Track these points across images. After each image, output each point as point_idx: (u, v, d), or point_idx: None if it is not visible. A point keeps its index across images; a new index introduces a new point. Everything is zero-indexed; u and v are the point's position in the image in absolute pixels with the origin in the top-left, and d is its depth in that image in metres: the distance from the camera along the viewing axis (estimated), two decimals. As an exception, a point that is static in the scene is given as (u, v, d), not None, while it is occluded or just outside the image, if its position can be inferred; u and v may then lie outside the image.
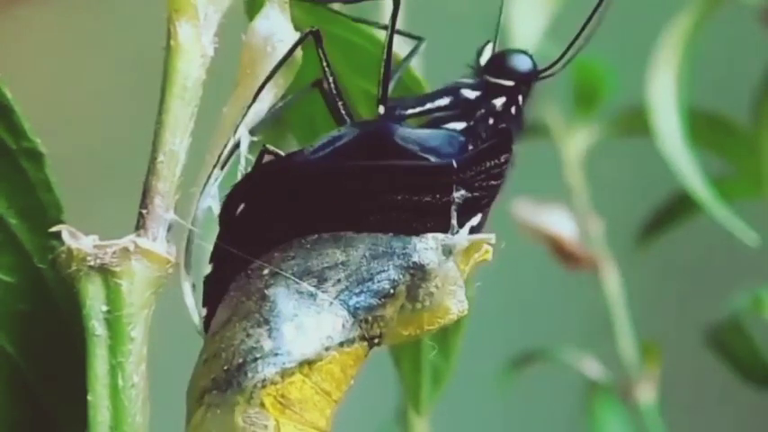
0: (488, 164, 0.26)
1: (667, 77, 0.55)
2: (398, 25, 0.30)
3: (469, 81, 0.28)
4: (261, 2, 0.29)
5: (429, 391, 0.35)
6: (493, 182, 0.26)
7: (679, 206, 0.63)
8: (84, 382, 0.24)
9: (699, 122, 0.56)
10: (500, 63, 0.28)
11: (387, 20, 0.39)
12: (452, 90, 0.28)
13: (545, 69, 0.28)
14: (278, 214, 0.25)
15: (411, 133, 0.26)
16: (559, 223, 0.62)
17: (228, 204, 0.25)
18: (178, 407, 0.26)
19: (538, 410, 0.85)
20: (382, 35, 0.31)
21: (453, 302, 0.24)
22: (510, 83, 0.27)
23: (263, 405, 0.24)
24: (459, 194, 0.25)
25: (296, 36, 0.26)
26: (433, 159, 0.26)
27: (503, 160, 0.26)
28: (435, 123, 0.27)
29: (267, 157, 0.26)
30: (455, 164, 0.25)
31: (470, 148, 0.26)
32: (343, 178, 0.25)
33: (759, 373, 0.58)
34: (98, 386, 0.24)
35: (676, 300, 0.82)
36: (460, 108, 0.27)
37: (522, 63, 0.28)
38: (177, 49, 0.25)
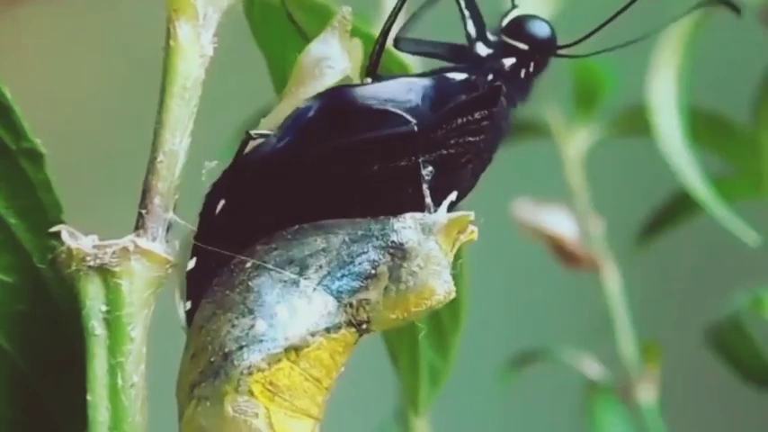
0: (461, 120, 0.26)
1: (667, 77, 0.55)
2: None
3: (488, 38, 0.27)
4: (260, 2, 0.29)
5: (427, 391, 0.35)
6: (470, 138, 0.26)
7: (679, 206, 0.63)
8: (83, 381, 0.24)
9: (699, 122, 0.56)
10: (519, 25, 0.27)
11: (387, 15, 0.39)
12: (468, 44, 0.27)
13: (564, 46, 0.28)
14: (257, 207, 0.25)
15: (367, 89, 0.26)
16: (559, 223, 0.62)
17: (209, 201, 0.25)
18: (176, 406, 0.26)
19: (538, 410, 0.85)
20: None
21: (438, 283, 0.24)
22: (524, 46, 0.27)
23: (251, 393, 0.24)
24: (427, 171, 0.25)
25: (347, 65, 0.26)
26: (392, 109, 0.26)
27: (478, 116, 0.26)
28: (436, 72, 0.27)
29: (251, 145, 0.26)
30: (416, 128, 0.25)
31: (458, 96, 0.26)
32: (314, 163, 0.25)
33: (759, 373, 0.58)
34: (98, 386, 0.24)
35: (676, 300, 0.82)
36: (469, 60, 0.27)
37: (541, 30, 0.27)
38: (177, 48, 0.25)
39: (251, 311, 0.24)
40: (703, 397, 0.79)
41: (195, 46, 0.25)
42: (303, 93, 0.26)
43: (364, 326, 0.25)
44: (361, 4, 0.31)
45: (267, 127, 0.26)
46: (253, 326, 0.24)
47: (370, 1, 0.51)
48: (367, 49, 0.29)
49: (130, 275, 0.24)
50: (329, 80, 0.26)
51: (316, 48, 0.26)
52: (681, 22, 0.55)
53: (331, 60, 0.26)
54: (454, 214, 0.25)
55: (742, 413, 0.77)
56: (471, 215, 0.25)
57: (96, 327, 0.24)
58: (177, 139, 0.25)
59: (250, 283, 0.24)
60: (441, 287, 0.24)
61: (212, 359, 0.24)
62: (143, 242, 0.25)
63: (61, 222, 0.25)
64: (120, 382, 0.24)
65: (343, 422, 0.27)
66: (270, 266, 0.24)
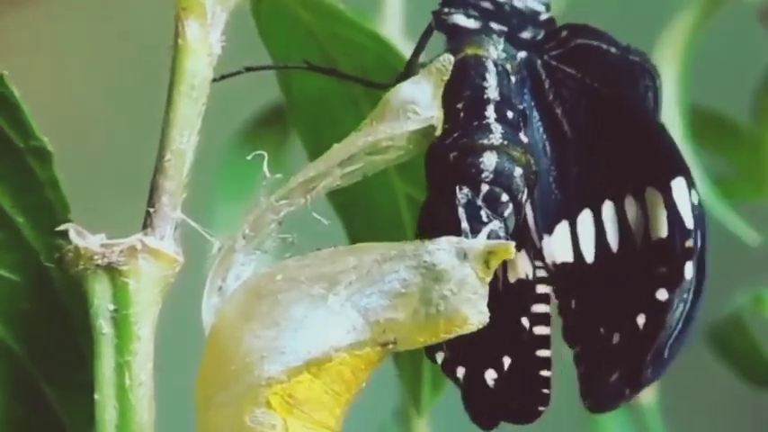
0: None
1: (668, 76, 0.55)
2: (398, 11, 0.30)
3: None
4: (267, 2, 0.29)
5: (429, 391, 0.35)
6: None
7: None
8: (90, 380, 0.24)
9: (700, 122, 0.56)
10: None
11: (390, 14, 0.39)
12: None
13: None
14: None
15: None
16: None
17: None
18: (184, 406, 0.26)
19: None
20: (386, 34, 0.31)
21: (473, 312, 0.23)
22: None
23: (269, 405, 0.24)
24: (463, 194, 0.25)
25: (434, 114, 0.25)
26: None
27: None
28: None
29: None
30: None
31: None
32: None
33: (760, 372, 0.58)
34: (105, 385, 0.24)
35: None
36: None
37: None
38: (185, 47, 0.25)
39: (276, 324, 0.24)
40: (703, 397, 0.79)
41: (203, 45, 0.25)
42: (380, 130, 0.25)
43: (390, 345, 0.24)
44: (361, 4, 0.31)
45: (336, 156, 0.25)
46: (276, 338, 0.24)
47: (371, 1, 0.51)
48: (371, 47, 0.30)
49: (138, 274, 0.24)
50: (411, 125, 0.25)
51: (406, 89, 0.25)
52: (682, 21, 0.55)
53: (418, 106, 0.25)
54: (493, 242, 0.24)
55: (742, 413, 0.77)
56: (512, 244, 0.24)
57: (104, 325, 0.24)
58: (185, 138, 0.25)
59: (279, 296, 0.24)
60: (475, 316, 0.23)
61: (233, 368, 0.24)
62: (151, 241, 0.25)
63: (69, 221, 0.25)
64: (127, 380, 0.24)
65: (344, 422, 0.27)
66: (300, 280, 0.24)
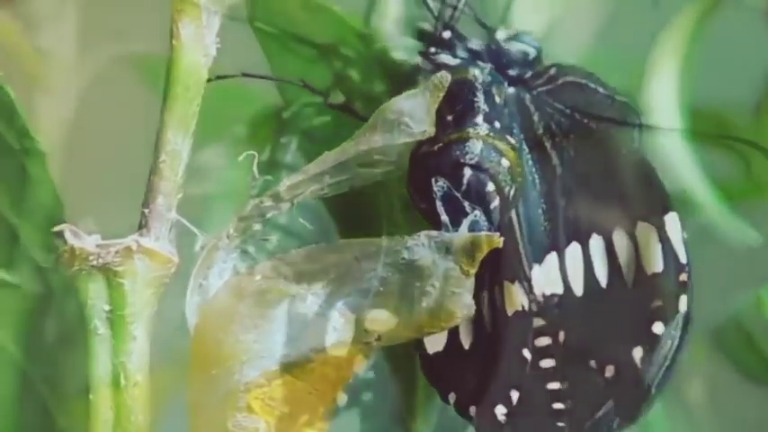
0: None
1: (669, 76, 0.55)
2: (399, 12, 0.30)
3: None
4: (261, 3, 0.29)
5: (423, 393, 0.35)
6: None
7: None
8: (86, 381, 0.24)
9: (700, 122, 0.56)
10: None
11: (391, 15, 0.39)
12: None
13: None
14: None
15: None
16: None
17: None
18: (178, 406, 0.26)
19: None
20: (385, 33, 0.31)
21: (458, 306, 0.23)
22: None
23: (251, 409, 0.24)
24: (439, 186, 0.25)
25: (426, 130, 0.25)
26: None
27: None
28: None
29: None
30: None
31: None
32: None
33: (760, 373, 0.58)
34: (100, 385, 0.24)
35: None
36: None
37: None
38: (180, 48, 0.25)
39: (256, 326, 0.24)
40: (704, 397, 0.79)
41: (199, 46, 0.25)
42: (373, 140, 0.25)
43: (374, 342, 0.24)
44: (361, 3, 0.31)
45: (327, 162, 0.25)
46: (256, 341, 0.24)
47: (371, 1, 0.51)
48: (364, 50, 0.30)
49: (133, 275, 0.25)
50: (402, 138, 0.25)
51: (401, 102, 0.25)
52: (683, 19, 0.55)
53: (412, 119, 0.25)
54: (476, 234, 0.24)
55: (743, 413, 0.77)
56: (496, 236, 0.23)
57: (99, 326, 0.24)
58: (180, 139, 0.25)
59: (259, 297, 0.24)
60: (460, 310, 0.23)
61: (214, 372, 0.24)
62: (146, 242, 0.25)
63: (64, 222, 0.25)
64: (122, 381, 0.24)
65: (344, 422, 0.27)
66: (280, 280, 0.24)
